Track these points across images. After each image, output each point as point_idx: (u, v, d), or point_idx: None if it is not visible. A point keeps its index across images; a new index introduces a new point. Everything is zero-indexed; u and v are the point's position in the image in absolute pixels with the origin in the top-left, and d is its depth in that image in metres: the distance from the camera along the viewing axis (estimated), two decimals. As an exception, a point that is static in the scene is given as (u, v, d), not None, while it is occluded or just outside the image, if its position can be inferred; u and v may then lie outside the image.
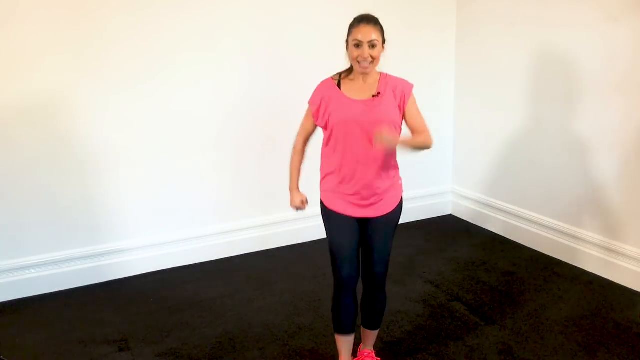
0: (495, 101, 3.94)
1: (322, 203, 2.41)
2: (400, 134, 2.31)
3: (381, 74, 2.33)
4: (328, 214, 2.39)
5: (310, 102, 2.35)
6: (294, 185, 2.47)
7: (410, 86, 2.33)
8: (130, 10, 3.25)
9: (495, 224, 4.08)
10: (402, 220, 4.26)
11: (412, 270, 3.53)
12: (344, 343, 2.44)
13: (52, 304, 3.28)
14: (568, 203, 3.49)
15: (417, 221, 4.37)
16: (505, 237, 3.98)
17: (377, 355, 2.60)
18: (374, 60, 2.22)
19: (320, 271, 3.53)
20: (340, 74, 2.35)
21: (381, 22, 2.23)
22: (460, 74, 4.23)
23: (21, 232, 3.30)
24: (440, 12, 4.11)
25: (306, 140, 2.44)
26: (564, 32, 3.34)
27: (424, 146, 2.33)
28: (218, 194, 3.72)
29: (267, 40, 3.62)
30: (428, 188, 4.40)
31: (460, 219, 4.42)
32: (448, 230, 4.21)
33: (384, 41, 2.25)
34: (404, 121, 2.33)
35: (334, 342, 2.52)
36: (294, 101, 3.60)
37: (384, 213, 2.35)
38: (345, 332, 2.41)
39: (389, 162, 2.32)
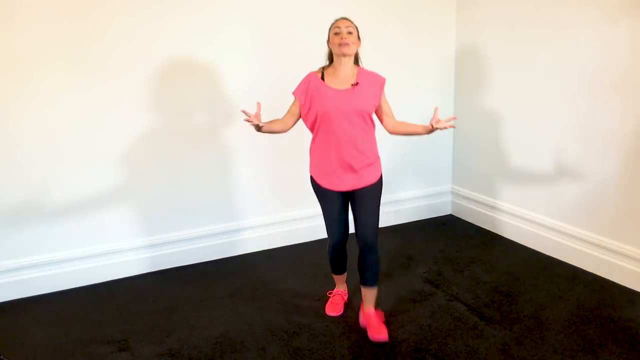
0: (495, 101, 3.94)
1: (312, 179, 2.82)
2: (370, 121, 2.70)
3: (359, 67, 2.74)
4: (319, 190, 2.79)
5: (295, 95, 2.74)
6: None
7: (383, 79, 2.75)
8: (130, 11, 3.25)
9: (495, 224, 4.08)
10: (402, 220, 4.37)
11: (412, 270, 3.53)
12: (339, 279, 3.13)
13: (52, 304, 3.28)
14: (568, 203, 3.49)
15: (417, 221, 4.38)
16: (505, 237, 3.98)
17: (377, 352, 2.63)
18: (349, 44, 2.60)
19: (320, 271, 3.53)
20: (323, 68, 2.74)
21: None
22: (460, 73, 4.23)
23: (21, 232, 3.30)
24: (440, 12, 4.11)
25: (290, 117, 2.80)
26: (563, 32, 3.35)
27: None
28: (218, 194, 3.73)
29: (269, 40, 3.62)
30: (428, 188, 4.40)
31: (460, 219, 4.42)
32: (448, 230, 4.21)
33: (358, 36, 2.69)
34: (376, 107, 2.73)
35: (334, 342, 2.75)
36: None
37: (366, 184, 2.71)
38: (339, 273, 3.07)
39: (366, 143, 2.68)
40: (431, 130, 2.67)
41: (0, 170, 3.19)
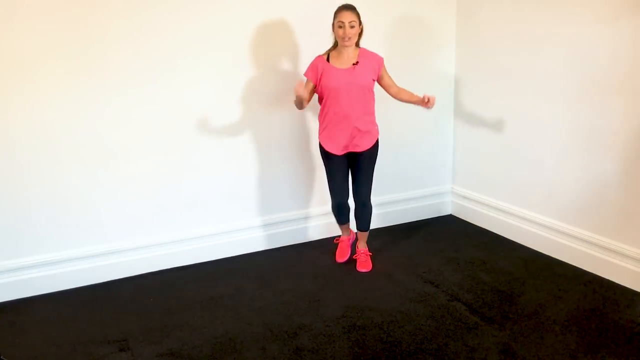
0: (495, 101, 3.94)
1: (320, 145, 3.37)
2: (371, 94, 3.29)
3: (360, 48, 3.27)
4: (325, 154, 3.36)
5: (307, 76, 3.29)
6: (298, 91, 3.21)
7: (381, 59, 3.31)
8: (131, 13, 3.25)
9: (495, 224, 4.08)
10: (402, 220, 4.39)
11: (412, 270, 3.53)
12: (344, 228, 3.71)
13: (52, 304, 3.28)
14: (568, 203, 3.49)
15: (417, 221, 4.37)
16: (505, 237, 3.98)
17: (377, 352, 2.64)
18: (351, 37, 3.13)
19: (321, 271, 3.53)
20: (328, 51, 3.28)
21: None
22: (460, 74, 4.23)
23: (21, 232, 3.30)
24: (440, 12, 4.11)
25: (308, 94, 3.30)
26: (563, 32, 3.34)
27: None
28: (218, 194, 3.72)
29: (269, 41, 3.62)
30: (428, 188, 4.40)
31: (460, 219, 4.42)
32: (448, 230, 4.21)
33: (360, 22, 3.16)
34: (380, 80, 3.32)
35: (334, 342, 2.75)
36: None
37: (364, 149, 3.30)
38: (343, 223, 3.65)
39: (365, 113, 3.26)
40: (422, 102, 3.26)
41: (0, 170, 3.19)
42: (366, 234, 3.60)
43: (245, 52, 3.58)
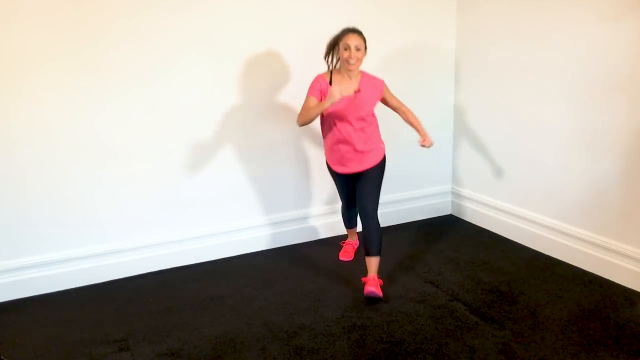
0: (495, 101, 3.94)
1: (327, 164, 3.38)
2: (374, 118, 3.21)
3: (362, 72, 3.15)
4: (331, 172, 3.39)
5: (313, 94, 3.10)
6: (326, 102, 2.96)
7: (382, 82, 3.21)
8: (131, 13, 3.25)
9: (495, 224, 4.08)
10: (402, 220, 4.37)
11: (412, 270, 3.53)
12: (350, 232, 3.78)
13: (52, 304, 3.28)
14: (568, 203, 3.48)
15: (417, 221, 4.37)
16: (505, 237, 3.98)
17: (377, 352, 2.63)
18: (357, 60, 3.02)
19: (321, 271, 3.53)
20: (330, 72, 3.15)
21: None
22: (460, 74, 4.23)
23: (21, 232, 3.30)
24: (440, 13, 4.10)
25: None
26: (564, 32, 3.34)
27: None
28: (218, 194, 3.72)
29: (268, 41, 3.62)
30: (428, 188, 4.40)
31: (460, 219, 4.42)
32: (448, 230, 4.21)
33: (365, 48, 3.05)
34: (384, 102, 3.25)
35: (334, 342, 2.75)
36: (295, 101, 3.63)
37: (367, 168, 3.20)
38: (350, 227, 3.73)
39: (367, 135, 3.17)
40: (421, 137, 3.25)
41: (0, 170, 3.19)
42: (376, 260, 3.17)
43: (246, 52, 3.58)
